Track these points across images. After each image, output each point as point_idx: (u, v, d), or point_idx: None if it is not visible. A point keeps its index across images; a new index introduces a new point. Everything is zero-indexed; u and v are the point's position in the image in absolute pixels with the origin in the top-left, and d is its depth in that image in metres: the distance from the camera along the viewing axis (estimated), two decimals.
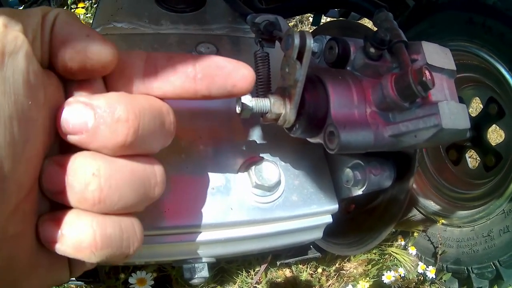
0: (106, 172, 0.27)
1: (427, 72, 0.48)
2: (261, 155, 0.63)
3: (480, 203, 1.10)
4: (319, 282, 1.13)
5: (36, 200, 0.27)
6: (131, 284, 0.89)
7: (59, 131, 0.27)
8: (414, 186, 1.28)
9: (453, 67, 0.57)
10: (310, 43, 0.44)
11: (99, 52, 0.27)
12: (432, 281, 1.15)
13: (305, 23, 2.44)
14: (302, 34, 0.45)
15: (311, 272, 1.14)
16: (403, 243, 1.24)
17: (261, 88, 0.57)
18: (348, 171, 0.60)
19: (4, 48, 0.23)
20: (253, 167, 0.59)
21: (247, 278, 1.08)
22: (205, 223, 0.58)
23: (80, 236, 0.26)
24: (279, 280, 1.11)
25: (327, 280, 1.15)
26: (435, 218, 1.19)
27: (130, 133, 0.27)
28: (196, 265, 0.63)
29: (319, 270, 1.14)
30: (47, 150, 0.28)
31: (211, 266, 1.00)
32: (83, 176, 0.26)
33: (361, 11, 0.59)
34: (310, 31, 0.60)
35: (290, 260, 0.98)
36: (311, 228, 0.65)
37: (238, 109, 0.50)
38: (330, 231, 0.75)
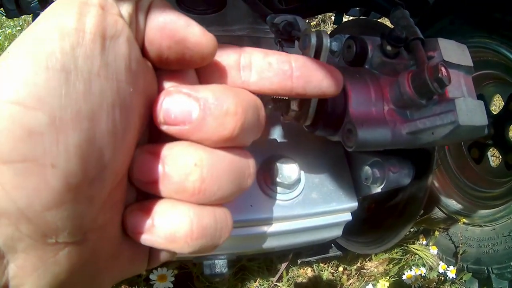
0: (208, 163, 0.26)
1: (443, 69, 0.48)
2: (281, 153, 0.64)
3: (501, 202, 1.08)
4: (340, 281, 1.13)
5: (125, 189, 0.27)
6: (152, 280, 0.90)
7: (156, 120, 0.26)
8: (436, 184, 1.27)
9: (470, 64, 0.57)
10: (327, 42, 0.45)
11: (199, 43, 0.26)
12: (453, 281, 1.14)
13: (328, 22, 2.44)
14: (319, 34, 0.46)
15: (332, 271, 1.14)
16: (424, 242, 1.23)
17: None
18: (367, 168, 0.60)
19: (105, 31, 0.23)
20: (273, 165, 0.60)
21: (268, 276, 1.09)
22: None
23: (175, 226, 0.26)
24: (300, 278, 1.12)
25: (348, 279, 1.15)
26: (456, 217, 1.19)
27: (238, 126, 0.26)
28: (216, 261, 0.64)
29: (340, 269, 1.15)
30: (140, 139, 0.28)
31: (232, 264, 1.01)
32: (184, 166, 0.26)
33: (378, 9, 0.60)
34: (331, 30, 0.61)
35: (311, 259, 0.99)
36: (330, 226, 0.66)
37: None
38: (351, 229, 0.75)
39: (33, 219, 0.22)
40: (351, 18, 1.36)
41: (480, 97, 1.20)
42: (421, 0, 1.25)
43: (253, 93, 0.31)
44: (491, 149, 1.27)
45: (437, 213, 1.24)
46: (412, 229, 1.25)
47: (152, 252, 0.30)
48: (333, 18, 1.40)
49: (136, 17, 0.26)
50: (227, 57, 0.31)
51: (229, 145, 0.28)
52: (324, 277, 1.11)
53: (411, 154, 0.62)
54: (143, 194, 0.28)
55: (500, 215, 1.07)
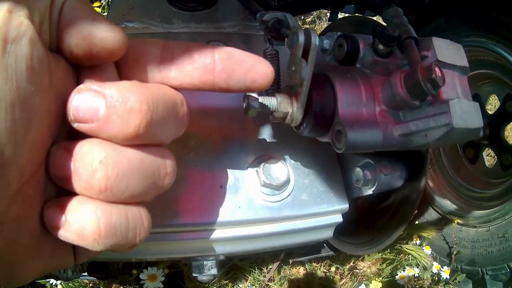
0: (114, 160, 0.26)
1: (437, 69, 0.46)
2: (270, 153, 0.63)
3: (496, 203, 1.08)
4: (332, 280, 1.13)
5: (41, 184, 0.27)
6: (142, 280, 0.89)
7: (68, 118, 0.27)
8: (431, 184, 1.26)
9: (466, 64, 0.56)
10: (315, 40, 0.44)
11: (105, 38, 0.27)
12: (446, 282, 1.14)
13: (323, 19, 2.43)
14: (307, 32, 0.44)
15: (324, 270, 1.14)
16: (418, 242, 1.23)
17: (271, 86, 0.56)
18: (358, 170, 0.59)
19: (6, 34, 0.23)
20: (261, 166, 0.59)
21: (259, 276, 1.08)
22: (212, 221, 0.58)
23: (83, 223, 0.26)
24: (293, 278, 1.11)
25: (341, 279, 1.14)
26: (450, 218, 1.18)
27: (143, 124, 0.26)
28: (204, 262, 0.63)
29: (333, 268, 1.14)
30: (54, 135, 0.28)
31: (223, 263, 1.00)
32: (90, 163, 0.26)
33: (371, 6, 0.58)
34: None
35: (303, 258, 0.98)
36: (321, 228, 0.64)
37: (244, 108, 0.50)
38: (343, 230, 0.74)
39: None
40: (346, 15, 1.34)
41: (475, 97, 1.20)
42: None
43: (176, 88, 0.31)
44: (486, 149, 1.26)
45: (432, 214, 1.23)
46: (405, 230, 1.25)
47: (78, 247, 0.30)
48: (328, 15, 1.38)
49: (50, 14, 0.26)
50: (147, 52, 0.31)
51: (138, 142, 0.28)
52: (317, 277, 1.10)
53: (403, 155, 0.61)
54: (63, 190, 0.28)
55: (494, 216, 1.06)
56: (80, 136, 0.27)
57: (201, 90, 0.32)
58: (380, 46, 0.50)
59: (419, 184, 0.63)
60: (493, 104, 1.70)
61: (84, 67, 0.29)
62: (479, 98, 1.21)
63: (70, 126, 0.27)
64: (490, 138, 1.18)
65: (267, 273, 1.07)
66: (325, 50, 0.59)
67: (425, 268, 1.13)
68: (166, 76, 0.31)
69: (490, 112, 1.21)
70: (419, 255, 1.10)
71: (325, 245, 0.94)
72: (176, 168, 0.32)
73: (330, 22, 1.18)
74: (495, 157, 1.25)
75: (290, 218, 0.61)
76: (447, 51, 0.54)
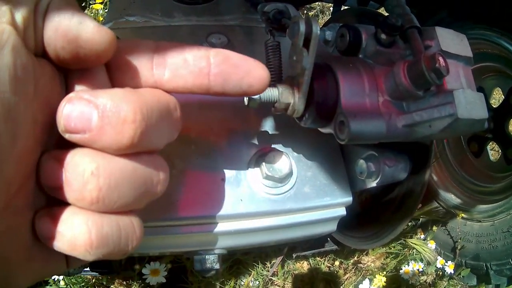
0: (106, 171, 0.26)
1: (440, 59, 0.46)
2: (273, 146, 0.62)
3: (500, 197, 1.07)
4: (336, 275, 1.12)
5: (31, 195, 0.27)
6: (145, 275, 0.89)
7: (58, 128, 0.26)
8: (435, 178, 1.26)
9: (470, 54, 0.55)
10: (317, 29, 0.43)
11: (91, 41, 0.26)
12: (451, 277, 1.13)
13: (326, 13, 2.41)
14: (308, 21, 0.44)
15: (328, 265, 1.13)
16: (423, 236, 1.22)
17: (272, 78, 0.56)
18: (361, 162, 0.58)
19: None
20: (263, 158, 0.58)
21: (263, 270, 1.08)
22: (214, 214, 0.58)
23: (75, 234, 0.26)
24: (296, 272, 1.10)
25: (345, 274, 1.14)
26: (455, 212, 1.17)
27: (137, 134, 0.26)
28: (206, 256, 0.63)
29: (337, 263, 1.13)
30: (43, 144, 0.27)
31: (226, 258, 1.00)
32: (82, 174, 0.25)
33: None
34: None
35: (307, 253, 0.97)
36: (324, 221, 0.64)
37: (245, 100, 0.49)
38: (347, 224, 0.74)
39: None
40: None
41: (479, 90, 1.18)
42: None
43: (169, 92, 0.30)
44: (490, 143, 1.25)
45: (436, 206, 1.23)
46: (410, 223, 1.24)
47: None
48: (331, 9, 1.37)
49: (34, 19, 0.25)
50: (139, 55, 0.30)
51: (133, 151, 0.27)
52: (320, 272, 1.10)
53: (407, 147, 0.60)
54: (54, 199, 0.27)
55: (499, 210, 1.05)
56: (70, 143, 0.26)
57: (196, 94, 0.32)
58: (383, 36, 0.50)
59: (423, 176, 0.63)
60: (496, 98, 1.68)
61: (73, 71, 0.28)
62: (483, 91, 1.20)
63: (59, 134, 0.27)
64: (494, 131, 1.17)
65: (271, 268, 1.07)
66: (328, 42, 0.58)
67: (429, 263, 1.12)
68: (159, 80, 0.30)
69: (494, 106, 1.20)
70: (423, 249, 1.10)
71: (328, 239, 0.94)
72: (169, 173, 0.32)
73: None
74: (499, 151, 1.24)
75: (292, 211, 0.61)
76: (451, 41, 0.54)
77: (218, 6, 0.81)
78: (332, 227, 0.67)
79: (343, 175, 0.63)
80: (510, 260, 0.97)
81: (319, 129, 0.53)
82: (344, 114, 0.47)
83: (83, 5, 1.76)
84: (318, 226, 0.65)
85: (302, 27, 0.44)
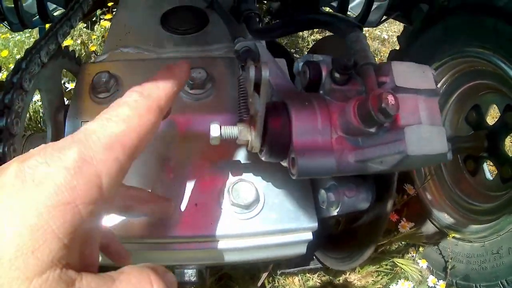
0: None
1: (389, 97, 0.46)
2: (244, 174, 0.67)
3: (492, 217, 1.06)
4: None
5: None
6: None
7: None
8: (429, 197, 1.25)
9: (433, 86, 0.53)
10: (266, 75, 0.45)
11: None
12: None
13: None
14: (258, 68, 0.46)
15: (318, 281, 1.14)
16: (415, 255, 1.22)
17: (244, 112, 0.59)
18: (323, 192, 0.60)
19: None
20: (231, 187, 0.62)
21: (251, 285, 1.10)
22: (187, 235, 0.63)
23: None
24: (286, 287, 1.12)
25: None
26: (447, 232, 1.17)
27: None
28: (185, 270, 0.66)
29: (325, 279, 1.14)
30: None
31: (214, 272, 1.03)
32: None
33: (336, 31, 0.59)
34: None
35: (291, 270, 0.99)
36: (291, 244, 0.67)
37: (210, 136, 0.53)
38: (326, 245, 0.76)
39: None
40: None
41: (475, 107, 1.18)
42: (415, 7, 1.24)
43: None
44: (487, 161, 1.24)
45: (429, 227, 1.22)
46: (403, 242, 1.24)
47: None
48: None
49: None
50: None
51: None
52: (309, 287, 1.11)
53: (371, 178, 0.62)
54: None
55: (490, 231, 1.04)
56: None
57: None
58: (336, 75, 0.52)
59: (385, 207, 0.64)
60: (493, 115, 1.66)
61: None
62: (478, 109, 1.20)
63: None
64: (489, 150, 1.16)
65: (259, 283, 1.09)
66: (299, 73, 0.60)
67: (419, 282, 1.12)
68: None
69: (490, 123, 1.19)
70: (410, 269, 1.10)
71: (314, 257, 0.95)
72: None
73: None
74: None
75: (259, 234, 0.64)
76: (409, 74, 0.53)
77: (207, 36, 0.85)
78: (301, 249, 0.69)
79: (309, 203, 0.66)
80: (499, 282, 0.97)
81: (279, 162, 0.55)
82: (294, 151, 0.49)
83: (93, 19, 1.81)
84: (285, 248, 0.68)
85: (252, 73, 0.46)
